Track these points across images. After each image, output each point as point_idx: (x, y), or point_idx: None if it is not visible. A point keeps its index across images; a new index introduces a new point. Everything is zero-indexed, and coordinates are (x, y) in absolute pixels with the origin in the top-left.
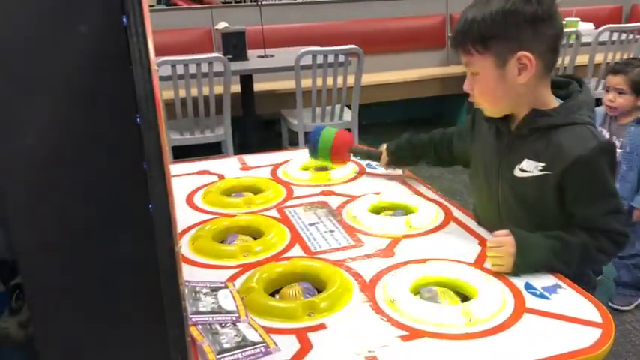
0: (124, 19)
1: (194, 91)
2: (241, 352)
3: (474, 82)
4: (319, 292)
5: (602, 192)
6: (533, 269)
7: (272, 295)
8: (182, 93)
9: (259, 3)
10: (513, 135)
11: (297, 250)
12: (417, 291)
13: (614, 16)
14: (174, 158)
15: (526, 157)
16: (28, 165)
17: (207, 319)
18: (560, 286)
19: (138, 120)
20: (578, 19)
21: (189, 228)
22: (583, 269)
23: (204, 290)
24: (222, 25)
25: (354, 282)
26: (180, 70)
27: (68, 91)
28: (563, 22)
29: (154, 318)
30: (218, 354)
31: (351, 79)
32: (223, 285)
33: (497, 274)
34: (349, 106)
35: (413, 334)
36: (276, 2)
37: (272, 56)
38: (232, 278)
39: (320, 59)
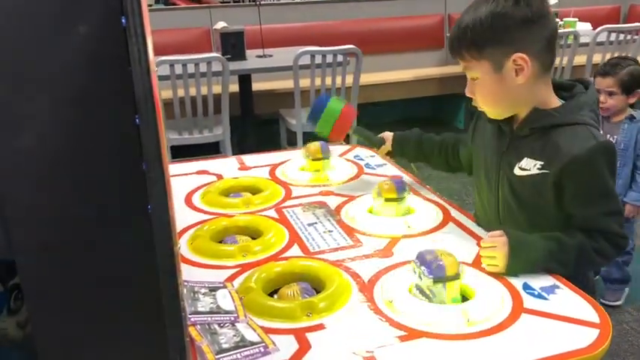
0: (124, 20)
1: (192, 91)
2: (240, 352)
3: (474, 86)
4: (318, 292)
5: (601, 192)
6: (528, 270)
7: (271, 295)
8: (180, 93)
9: (258, 3)
10: (515, 134)
11: (295, 251)
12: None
13: (612, 17)
14: (172, 158)
15: (526, 156)
16: (27, 165)
17: (205, 319)
18: (558, 287)
19: (137, 120)
20: (577, 19)
21: (188, 228)
22: (581, 271)
23: (203, 290)
24: (220, 24)
25: (352, 282)
26: (178, 69)
27: (67, 91)
28: (561, 23)
29: (153, 318)
30: (217, 354)
31: (349, 79)
32: (222, 285)
33: (495, 275)
34: None
35: (411, 334)
36: (275, 2)
37: (270, 56)
38: (231, 278)
39: (318, 59)
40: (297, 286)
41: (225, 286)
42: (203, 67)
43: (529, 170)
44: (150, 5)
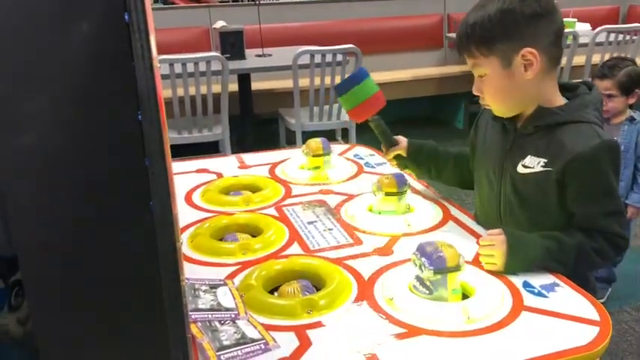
0: (126, 16)
1: (192, 90)
2: (241, 349)
3: (482, 84)
4: (318, 290)
5: (604, 191)
6: (526, 268)
7: (271, 292)
8: (180, 92)
9: (257, 2)
10: (519, 132)
11: (295, 249)
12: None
13: (612, 17)
14: (171, 157)
15: (530, 154)
16: (29, 162)
17: (206, 316)
18: (558, 285)
19: (139, 117)
20: (576, 19)
21: (188, 226)
22: (581, 271)
23: (204, 288)
24: (220, 24)
25: (352, 280)
26: (178, 68)
27: (70, 88)
28: None
29: (154, 315)
30: (218, 351)
31: None
32: (222, 283)
33: (495, 273)
34: None
35: (411, 331)
36: (274, 1)
37: (270, 55)
38: (231, 276)
39: (318, 58)
40: (298, 284)
41: (225, 284)
42: (202, 67)
43: (533, 168)
44: None
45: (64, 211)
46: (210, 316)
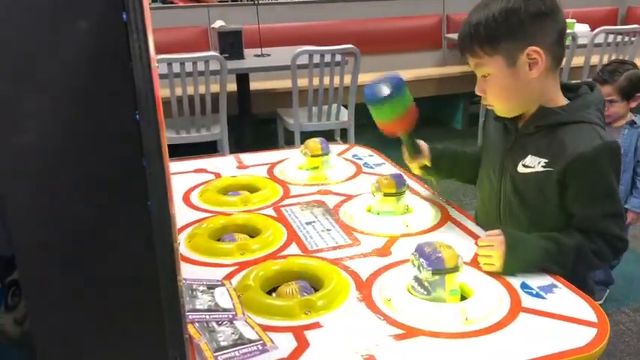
0: (124, 16)
1: (190, 90)
2: (238, 350)
3: (485, 84)
4: (316, 290)
5: (604, 192)
6: (525, 269)
7: (269, 293)
8: (178, 91)
9: (256, 2)
10: (520, 132)
11: (293, 249)
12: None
13: (610, 18)
14: (169, 157)
15: (530, 153)
16: (26, 162)
17: (204, 316)
18: (556, 286)
19: (137, 116)
20: (574, 20)
21: (186, 226)
22: (579, 272)
23: (201, 288)
24: (218, 23)
25: (350, 281)
26: (176, 68)
27: (67, 87)
28: None
29: (152, 315)
30: (215, 351)
31: (347, 79)
32: (220, 283)
33: (493, 274)
34: (346, 106)
35: (409, 332)
36: (273, 1)
37: (268, 55)
38: (229, 276)
39: (317, 59)
40: (296, 285)
41: (223, 284)
42: (201, 66)
43: (533, 168)
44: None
45: (61, 211)
46: (207, 316)
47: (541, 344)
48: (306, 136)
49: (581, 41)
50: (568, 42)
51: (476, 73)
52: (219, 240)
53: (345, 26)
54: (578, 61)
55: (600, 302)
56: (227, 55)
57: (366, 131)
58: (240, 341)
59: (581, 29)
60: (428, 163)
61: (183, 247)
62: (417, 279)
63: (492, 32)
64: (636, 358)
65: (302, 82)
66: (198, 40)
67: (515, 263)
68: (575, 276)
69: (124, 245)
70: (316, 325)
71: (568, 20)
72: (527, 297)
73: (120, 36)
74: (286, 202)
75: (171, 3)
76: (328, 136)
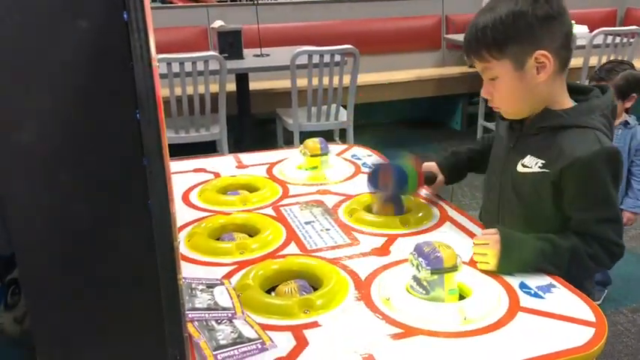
0: (125, 15)
1: (190, 90)
2: (237, 349)
3: (492, 87)
4: (315, 289)
5: (600, 198)
6: (520, 269)
7: (268, 292)
8: (178, 91)
9: (255, 2)
10: (524, 132)
11: (293, 248)
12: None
13: (609, 20)
14: (169, 156)
15: (529, 153)
16: (27, 161)
17: (203, 315)
18: (554, 286)
19: (138, 116)
20: (573, 21)
21: (186, 225)
22: (574, 274)
23: (201, 287)
24: (218, 23)
25: (349, 280)
26: (175, 68)
27: (68, 87)
28: None
29: (151, 314)
30: (214, 350)
31: (346, 79)
32: (219, 282)
33: (492, 274)
34: (345, 106)
35: (408, 332)
36: (273, 1)
37: (268, 55)
38: (228, 275)
39: (316, 59)
40: (295, 284)
41: (222, 283)
42: (200, 66)
43: (530, 168)
44: None
45: (61, 211)
46: (207, 315)
47: (539, 344)
48: (305, 136)
49: (579, 42)
50: None
51: (482, 76)
52: (218, 239)
53: (345, 26)
54: (576, 62)
55: (598, 303)
56: (226, 55)
57: (364, 131)
58: (240, 340)
59: (580, 30)
60: (443, 184)
61: (182, 247)
62: (415, 278)
63: (500, 36)
64: (634, 359)
65: (301, 82)
66: (198, 40)
67: (510, 263)
68: (571, 279)
69: (124, 244)
70: (315, 324)
71: None
72: (525, 296)
73: (121, 35)
74: (285, 201)
75: (171, 3)
76: (327, 136)
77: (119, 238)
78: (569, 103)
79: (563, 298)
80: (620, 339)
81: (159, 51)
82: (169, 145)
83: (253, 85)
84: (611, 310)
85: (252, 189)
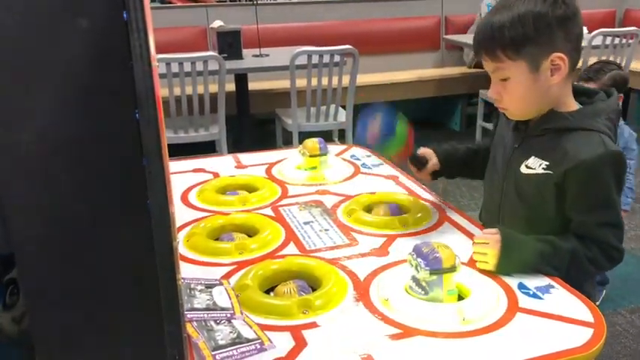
0: (125, 15)
1: (189, 90)
2: (236, 349)
3: (502, 88)
4: (314, 290)
5: (602, 201)
6: (519, 270)
7: (267, 292)
8: (177, 91)
9: (255, 2)
10: (528, 133)
11: (292, 249)
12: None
13: (608, 20)
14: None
15: (533, 155)
16: (26, 160)
17: (202, 315)
18: (553, 287)
19: (137, 116)
20: None
21: (185, 225)
22: (573, 277)
23: (199, 287)
24: (217, 23)
25: (348, 280)
26: (175, 68)
27: (68, 86)
28: None
29: (151, 313)
30: (213, 350)
31: (346, 80)
32: (218, 282)
33: (490, 274)
34: (344, 107)
35: (406, 332)
36: (272, 2)
37: (267, 55)
38: (227, 276)
39: (315, 59)
40: (294, 284)
41: (221, 283)
42: (199, 66)
43: (534, 169)
44: None
45: (61, 210)
46: (205, 315)
47: (538, 344)
48: (304, 136)
49: None
50: None
51: (491, 76)
52: (217, 239)
53: (344, 27)
54: None
55: (597, 303)
56: (226, 55)
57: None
58: (238, 340)
59: None
60: (437, 167)
61: (181, 247)
62: (414, 279)
63: (518, 36)
64: None
65: (300, 83)
66: (197, 40)
67: (509, 264)
68: (570, 281)
69: (124, 244)
70: (314, 325)
71: None
72: (524, 297)
73: (120, 35)
74: (284, 201)
75: (170, 3)
76: (326, 136)
77: (118, 238)
78: (574, 105)
79: (562, 298)
80: (619, 340)
81: (158, 51)
82: (168, 145)
83: (252, 86)
84: (610, 311)
85: (251, 189)
